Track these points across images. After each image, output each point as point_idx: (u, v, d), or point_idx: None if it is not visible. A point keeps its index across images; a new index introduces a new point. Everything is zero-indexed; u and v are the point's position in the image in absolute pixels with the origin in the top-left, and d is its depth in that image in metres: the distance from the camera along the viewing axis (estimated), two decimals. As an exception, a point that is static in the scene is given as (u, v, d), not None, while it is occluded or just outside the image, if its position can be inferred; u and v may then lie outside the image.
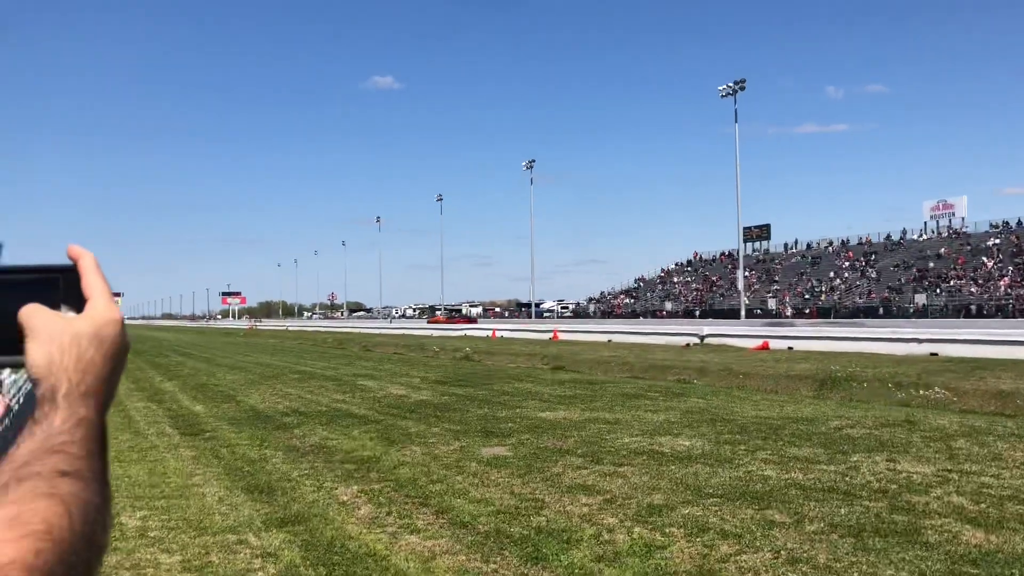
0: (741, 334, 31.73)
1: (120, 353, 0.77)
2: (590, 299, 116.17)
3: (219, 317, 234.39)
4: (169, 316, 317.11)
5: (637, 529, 6.52)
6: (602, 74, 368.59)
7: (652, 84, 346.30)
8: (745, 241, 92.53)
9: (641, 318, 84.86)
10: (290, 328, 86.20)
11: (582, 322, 59.19)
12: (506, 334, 44.54)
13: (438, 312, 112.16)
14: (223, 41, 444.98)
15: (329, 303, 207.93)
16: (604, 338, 36.64)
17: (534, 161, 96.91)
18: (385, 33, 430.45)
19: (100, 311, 0.77)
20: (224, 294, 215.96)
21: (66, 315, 0.77)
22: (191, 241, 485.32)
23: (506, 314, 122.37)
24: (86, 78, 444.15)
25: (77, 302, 0.78)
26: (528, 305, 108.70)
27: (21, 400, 0.76)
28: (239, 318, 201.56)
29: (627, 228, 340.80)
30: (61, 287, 0.80)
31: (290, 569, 5.68)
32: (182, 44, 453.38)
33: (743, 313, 67.48)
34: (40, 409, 0.71)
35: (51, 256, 0.82)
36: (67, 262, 0.81)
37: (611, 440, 10.62)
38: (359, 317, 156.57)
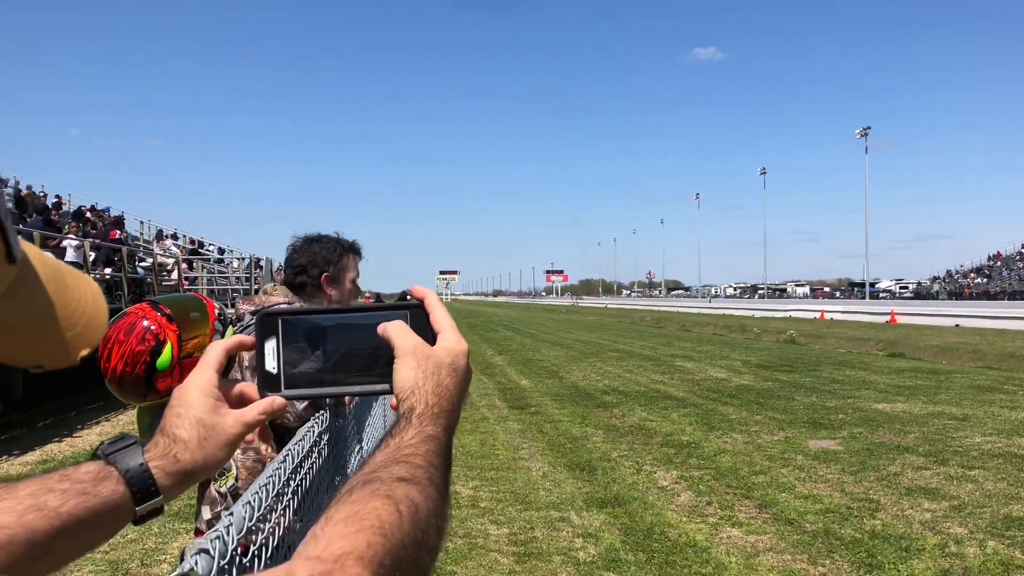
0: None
1: (467, 380, 0.90)
2: (934, 278, 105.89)
3: (543, 294, 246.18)
4: (499, 292, 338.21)
5: (991, 543, 5.79)
6: (942, 29, 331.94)
7: (1001, 36, 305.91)
8: None
9: (996, 299, 75.54)
10: (609, 306, 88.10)
11: (924, 304, 53.64)
12: (836, 316, 41.82)
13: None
14: (542, 29, 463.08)
15: (647, 281, 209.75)
16: (950, 322, 33.07)
17: (869, 128, 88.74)
18: (707, 2, 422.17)
19: (452, 343, 0.89)
20: (548, 272, 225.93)
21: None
22: (520, 222, 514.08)
23: (837, 294, 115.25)
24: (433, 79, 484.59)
25: (423, 334, 0.88)
26: (861, 285, 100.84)
27: None
28: (561, 295, 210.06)
29: (979, 199, 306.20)
30: (409, 321, 0.89)
31: (610, 552, 5.76)
32: (504, 36, 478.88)
33: None
34: (397, 425, 0.81)
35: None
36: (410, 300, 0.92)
37: (959, 438, 9.55)
38: (677, 296, 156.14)
